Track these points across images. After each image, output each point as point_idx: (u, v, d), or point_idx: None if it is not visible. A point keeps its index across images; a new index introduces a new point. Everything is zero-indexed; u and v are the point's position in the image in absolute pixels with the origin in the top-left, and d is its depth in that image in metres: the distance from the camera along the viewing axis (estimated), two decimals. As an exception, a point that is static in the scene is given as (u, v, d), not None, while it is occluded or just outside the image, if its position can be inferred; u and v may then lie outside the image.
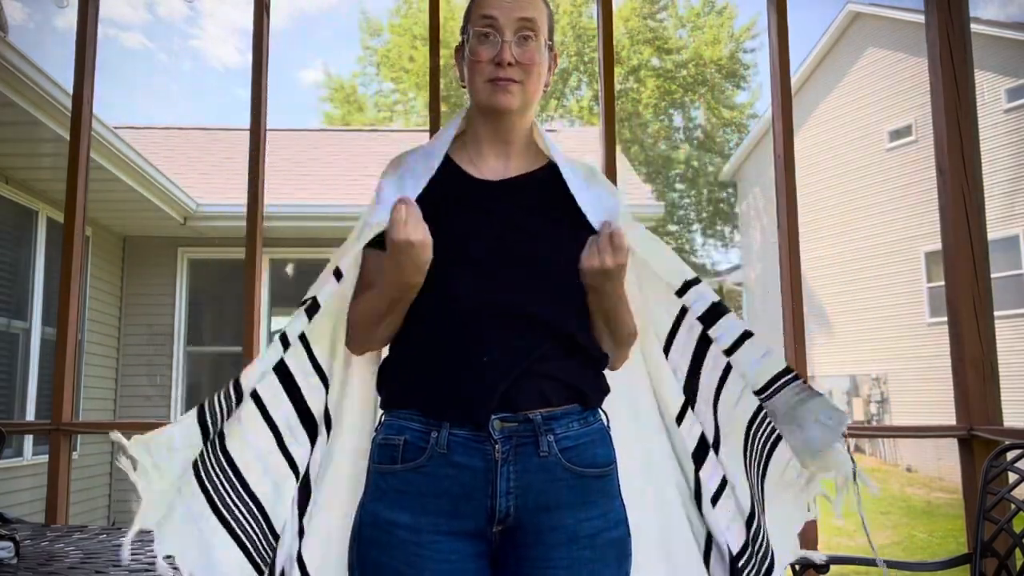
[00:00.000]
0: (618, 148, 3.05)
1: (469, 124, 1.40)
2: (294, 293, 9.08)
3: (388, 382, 1.32)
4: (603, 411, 1.34)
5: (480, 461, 1.22)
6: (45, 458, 3.05)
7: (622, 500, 1.31)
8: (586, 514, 1.25)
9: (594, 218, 1.32)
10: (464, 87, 1.37)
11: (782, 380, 1.38)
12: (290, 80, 38.44)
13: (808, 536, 2.64)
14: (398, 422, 1.26)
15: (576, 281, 1.28)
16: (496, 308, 1.25)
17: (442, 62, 3.03)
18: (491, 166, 1.37)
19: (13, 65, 4.54)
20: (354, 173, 8.75)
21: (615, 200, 1.37)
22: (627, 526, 1.29)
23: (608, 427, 1.33)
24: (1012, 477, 2.20)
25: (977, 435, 2.63)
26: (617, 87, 14.03)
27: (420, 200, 1.27)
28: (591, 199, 1.35)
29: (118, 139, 5.83)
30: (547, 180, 1.37)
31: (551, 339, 1.26)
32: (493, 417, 1.22)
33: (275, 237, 7.25)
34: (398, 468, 1.24)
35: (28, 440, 6.04)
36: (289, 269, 8.39)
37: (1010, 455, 2.19)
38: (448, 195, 1.32)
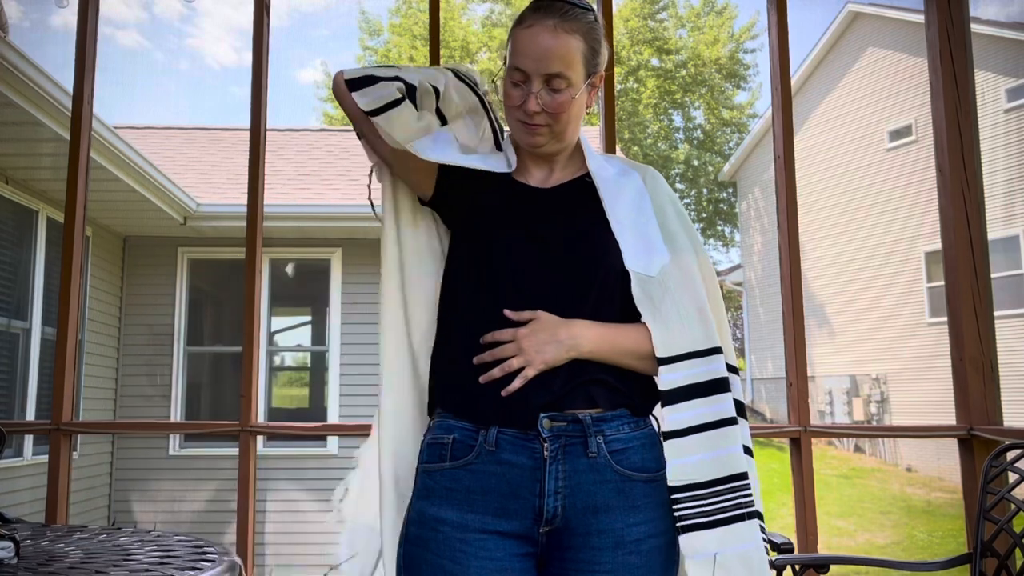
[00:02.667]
0: (618, 148, 3.05)
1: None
2: (294, 293, 9.10)
3: (437, 387, 1.34)
4: (654, 417, 1.34)
5: (528, 459, 1.22)
6: (45, 458, 3.05)
7: (670, 508, 1.26)
8: (634, 519, 1.24)
9: (620, 228, 1.32)
10: None
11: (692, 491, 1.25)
12: (287, 79, 38.44)
13: (808, 535, 2.63)
14: (447, 422, 1.28)
15: (615, 286, 1.30)
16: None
17: (442, 62, 3.02)
18: (534, 175, 1.41)
19: (13, 65, 4.54)
20: (354, 173, 8.75)
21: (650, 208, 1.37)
22: (674, 534, 1.26)
23: (659, 434, 1.31)
24: (1012, 477, 2.20)
25: (977, 435, 2.62)
26: (617, 87, 14.00)
27: (467, 175, 1.38)
28: (622, 207, 1.35)
29: (118, 139, 5.83)
30: (588, 186, 1.38)
31: None
32: (542, 416, 1.23)
33: (275, 237, 7.25)
34: (447, 466, 1.25)
35: (28, 440, 6.04)
36: (289, 269, 8.39)
37: (1010, 455, 2.19)
38: (495, 195, 1.37)
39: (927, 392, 11.95)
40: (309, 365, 9.79)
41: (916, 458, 11.89)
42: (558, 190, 1.38)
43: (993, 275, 2.81)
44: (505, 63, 1.34)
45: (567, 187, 1.39)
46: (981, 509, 2.20)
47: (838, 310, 14.41)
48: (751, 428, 4.95)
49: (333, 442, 7.37)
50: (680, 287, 1.30)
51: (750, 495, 1.25)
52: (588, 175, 1.39)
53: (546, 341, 1.23)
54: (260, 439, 3.92)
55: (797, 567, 2.12)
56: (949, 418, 2.82)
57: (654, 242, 1.33)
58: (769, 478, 11.60)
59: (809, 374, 2.82)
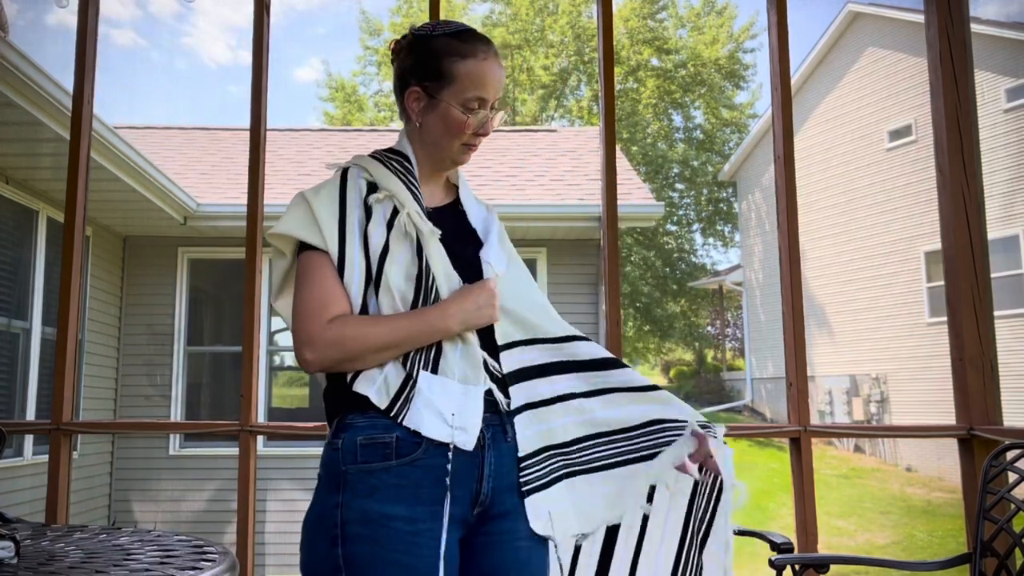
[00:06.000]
0: (618, 148, 3.05)
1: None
2: (294, 293, 9.09)
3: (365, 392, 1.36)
4: None
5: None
6: (45, 458, 3.06)
7: None
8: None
9: (488, 246, 1.49)
10: (412, 121, 1.46)
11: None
12: (286, 78, 38.40)
13: (808, 535, 2.64)
14: (383, 422, 1.33)
15: None
16: None
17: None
18: (425, 195, 1.50)
19: (13, 65, 4.54)
20: (354, 173, 8.73)
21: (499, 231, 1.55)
22: None
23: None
24: (1012, 477, 2.20)
25: (977, 435, 2.63)
26: (617, 87, 14.00)
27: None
28: (484, 227, 1.53)
29: (118, 139, 5.83)
30: (461, 209, 1.54)
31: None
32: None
33: (275, 237, 7.23)
34: (393, 464, 1.31)
35: (28, 440, 6.04)
36: (289, 269, 8.38)
37: (1010, 455, 2.19)
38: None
39: (927, 392, 11.96)
40: (309, 365, 9.75)
41: (916, 458, 11.89)
42: (444, 211, 1.50)
43: (993, 275, 2.81)
44: (439, 82, 1.41)
45: (449, 209, 1.52)
46: (981, 509, 2.20)
47: (838, 310, 14.41)
48: (751, 428, 4.87)
49: (333, 442, 7.36)
50: (510, 290, 1.48)
51: (559, 462, 1.47)
52: (458, 201, 1.54)
53: None
54: (260, 439, 3.92)
55: (797, 567, 2.13)
56: (949, 418, 2.82)
57: (499, 257, 1.50)
58: (769, 478, 11.60)
59: (809, 374, 2.82)
